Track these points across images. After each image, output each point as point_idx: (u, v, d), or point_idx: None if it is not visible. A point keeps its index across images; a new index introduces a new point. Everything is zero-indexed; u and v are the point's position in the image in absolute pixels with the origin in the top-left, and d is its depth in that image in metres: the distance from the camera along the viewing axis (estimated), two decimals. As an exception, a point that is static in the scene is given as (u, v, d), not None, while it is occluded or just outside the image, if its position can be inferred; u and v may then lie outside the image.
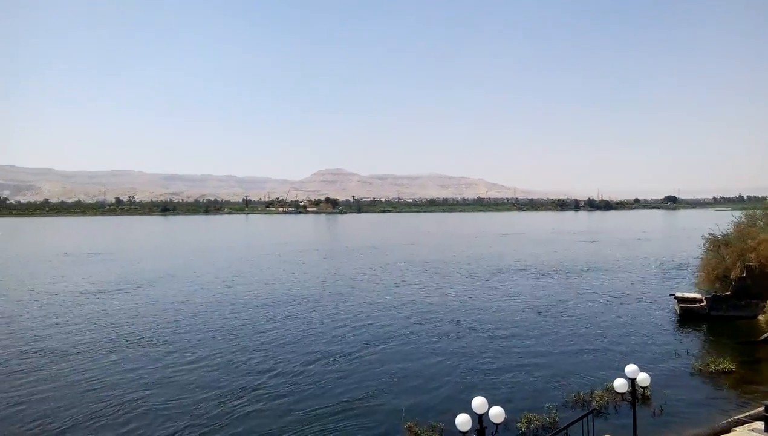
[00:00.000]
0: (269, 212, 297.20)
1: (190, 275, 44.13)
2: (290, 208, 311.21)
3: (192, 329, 25.22)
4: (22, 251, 69.20)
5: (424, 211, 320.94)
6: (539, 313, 28.21)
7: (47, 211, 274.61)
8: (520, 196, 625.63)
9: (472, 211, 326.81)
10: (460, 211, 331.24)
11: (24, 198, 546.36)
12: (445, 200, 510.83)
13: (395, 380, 17.95)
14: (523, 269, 45.94)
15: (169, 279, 41.86)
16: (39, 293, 35.71)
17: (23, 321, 27.14)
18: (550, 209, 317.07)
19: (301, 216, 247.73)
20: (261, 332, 24.49)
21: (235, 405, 15.85)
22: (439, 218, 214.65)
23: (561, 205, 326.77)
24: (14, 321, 27.14)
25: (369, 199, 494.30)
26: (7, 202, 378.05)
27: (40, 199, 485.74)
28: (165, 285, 38.72)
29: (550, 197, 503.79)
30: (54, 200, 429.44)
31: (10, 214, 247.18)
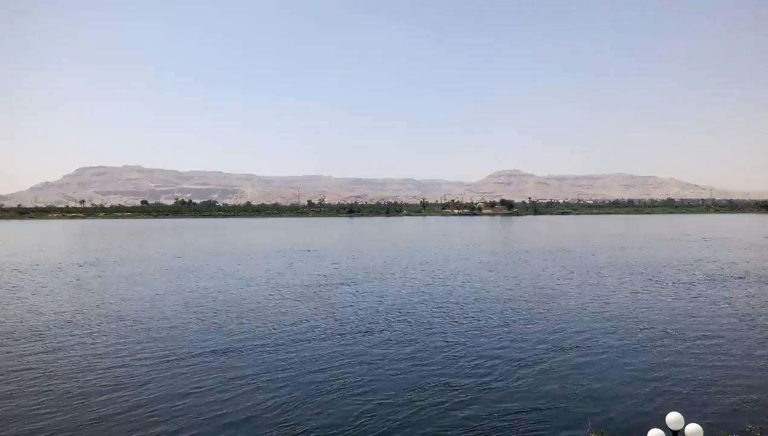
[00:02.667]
0: (445, 214, 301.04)
1: (406, 271, 45.10)
2: (465, 211, 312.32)
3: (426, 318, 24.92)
4: (243, 247, 77.65)
5: (606, 214, 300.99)
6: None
7: (249, 212, 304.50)
8: (717, 196, 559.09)
9: (662, 213, 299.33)
10: (648, 213, 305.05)
11: (230, 200, 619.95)
12: (630, 202, 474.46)
13: (584, 387, 16.67)
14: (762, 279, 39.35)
15: (387, 275, 42.97)
16: (277, 284, 38.07)
17: (274, 311, 28.70)
18: (753, 211, 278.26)
19: (476, 218, 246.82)
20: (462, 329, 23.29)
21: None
22: (624, 220, 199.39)
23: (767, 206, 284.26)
24: (261, 309, 28.90)
25: (546, 201, 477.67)
26: (216, 203, 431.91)
27: (243, 201, 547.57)
28: (385, 280, 39.74)
29: (753, 198, 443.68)
30: (255, 202, 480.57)
31: (219, 215, 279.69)
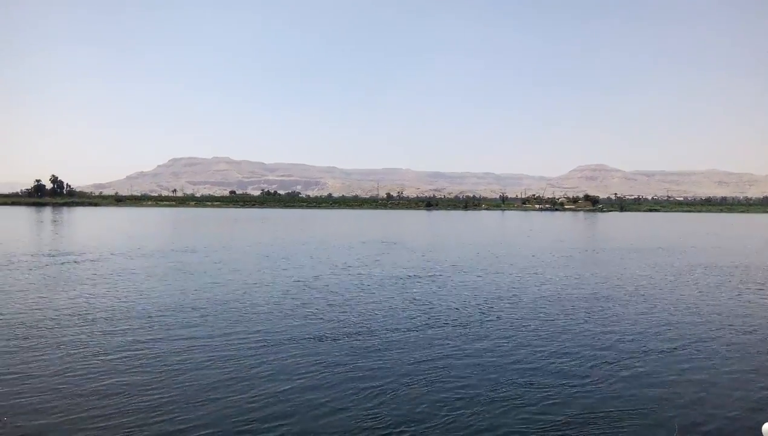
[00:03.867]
0: (525, 209, 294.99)
1: (493, 265, 44.94)
2: (546, 206, 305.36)
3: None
4: (329, 237, 78.46)
5: (698, 211, 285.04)
6: None
7: (330, 204, 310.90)
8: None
9: (759, 212, 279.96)
10: (743, 211, 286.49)
11: (312, 192, 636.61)
12: (724, 199, 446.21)
13: (676, 390, 16.17)
14: None
15: (474, 269, 42.85)
16: (368, 275, 38.78)
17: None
18: None
19: (558, 213, 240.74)
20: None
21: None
22: (718, 219, 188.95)
23: None
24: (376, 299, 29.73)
25: (633, 197, 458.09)
26: (300, 195, 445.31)
27: (325, 193, 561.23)
28: (471, 274, 39.64)
29: None
30: (336, 194, 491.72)
31: (302, 206, 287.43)
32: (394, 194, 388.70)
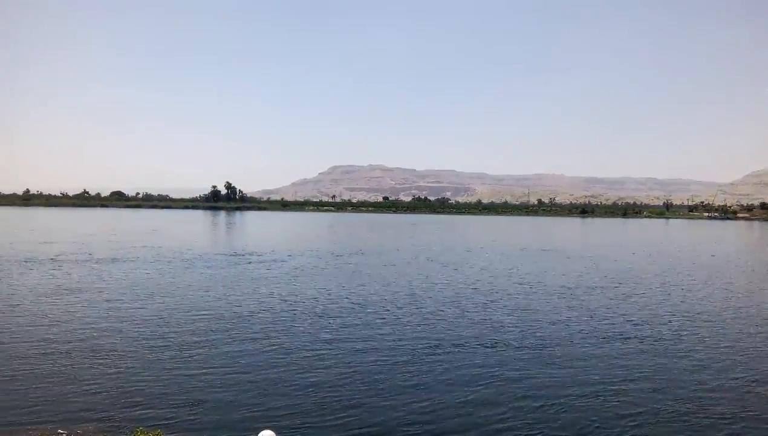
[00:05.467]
0: (692, 217, 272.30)
1: (671, 278, 43.98)
2: (715, 214, 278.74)
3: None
4: (485, 243, 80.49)
5: None
6: None
7: (480, 209, 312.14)
8: None
9: None
10: None
11: (462, 198, 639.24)
12: None
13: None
14: None
15: (645, 281, 42.02)
16: (537, 283, 39.30)
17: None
18: None
19: (729, 223, 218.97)
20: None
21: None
22: None
23: None
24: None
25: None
26: (449, 201, 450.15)
27: (474, 199, 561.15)
28: (642, 285, 39.50)
29: None
30: (485, 200, 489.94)
31: (451, 212, 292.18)
32: (546, 201, 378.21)
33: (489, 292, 35.18)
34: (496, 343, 22.26)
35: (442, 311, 28.79)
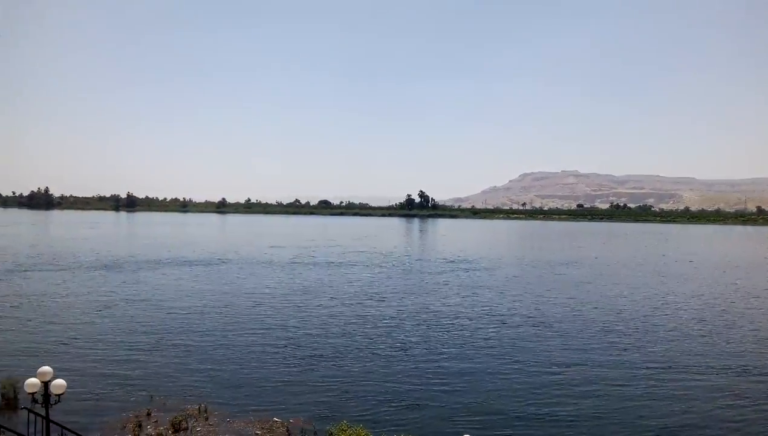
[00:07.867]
0: None
1: None
2: None
3: None
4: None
5: None
6: None
7: (687, 218, 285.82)
8: None
9: None
10: None
11: (666, 205, 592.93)
12: None
13: None
14: None
15: None
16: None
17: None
18: None
19: None
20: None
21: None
22: None
23: None
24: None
25: None
26: (651, 208, 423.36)
27: (681, 206, 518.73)
28: None
29: None
30: (694, 208, 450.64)
31: (654, 220, 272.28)
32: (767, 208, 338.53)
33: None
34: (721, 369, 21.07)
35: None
